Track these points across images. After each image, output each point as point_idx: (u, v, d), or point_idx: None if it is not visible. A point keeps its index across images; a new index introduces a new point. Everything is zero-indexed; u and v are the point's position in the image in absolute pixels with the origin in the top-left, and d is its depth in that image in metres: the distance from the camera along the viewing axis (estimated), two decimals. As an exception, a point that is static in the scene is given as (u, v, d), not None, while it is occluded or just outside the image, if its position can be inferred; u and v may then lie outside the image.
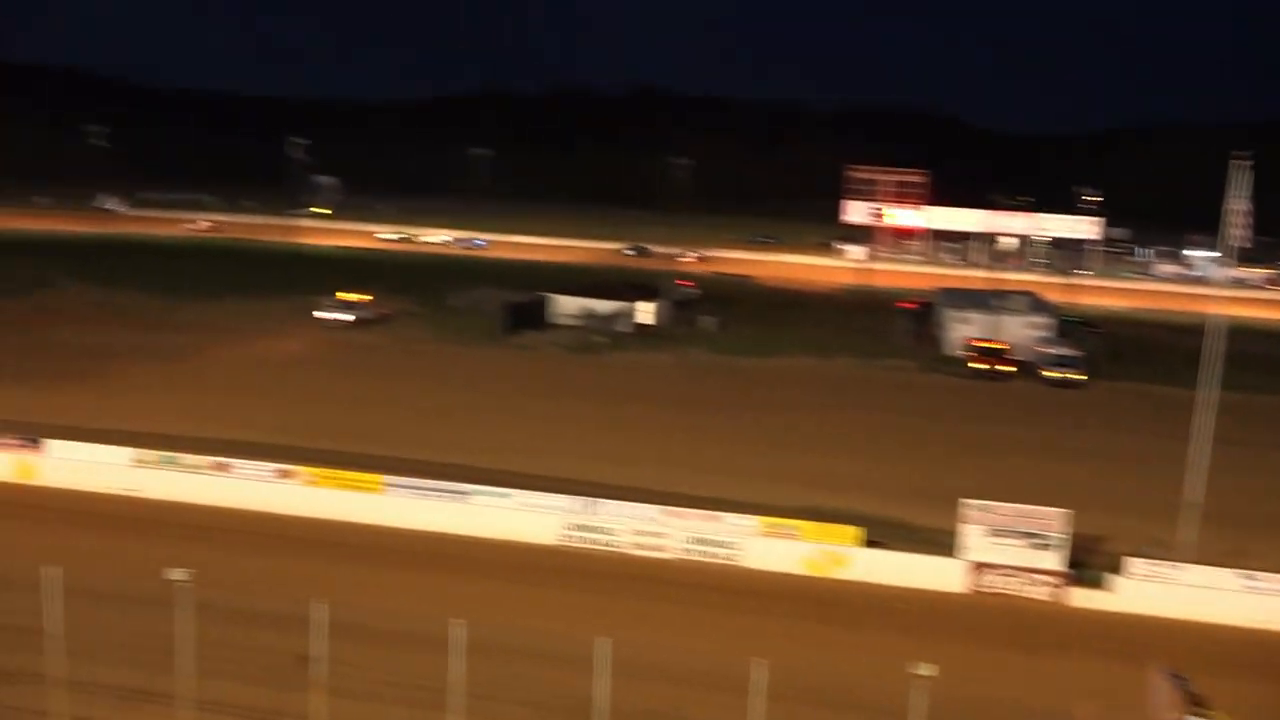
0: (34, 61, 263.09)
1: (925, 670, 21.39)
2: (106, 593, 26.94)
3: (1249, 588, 31.57)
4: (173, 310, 73.44)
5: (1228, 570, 31.93)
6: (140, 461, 37.66)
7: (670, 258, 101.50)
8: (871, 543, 33.53)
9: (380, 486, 36.08)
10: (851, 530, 33.43)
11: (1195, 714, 22.25)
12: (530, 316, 71.72)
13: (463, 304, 77.33)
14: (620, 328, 70.99)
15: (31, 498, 36.05)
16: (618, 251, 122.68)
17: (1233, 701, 23.91)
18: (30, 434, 38.78)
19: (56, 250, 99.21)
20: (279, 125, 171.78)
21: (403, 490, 35.90)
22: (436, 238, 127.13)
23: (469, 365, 61.58)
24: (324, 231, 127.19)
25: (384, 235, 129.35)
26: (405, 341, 67.30)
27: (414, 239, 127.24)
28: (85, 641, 23.89)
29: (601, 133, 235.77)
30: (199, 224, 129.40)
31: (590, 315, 69.71)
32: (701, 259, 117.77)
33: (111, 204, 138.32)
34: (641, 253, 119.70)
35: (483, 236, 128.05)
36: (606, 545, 33.74)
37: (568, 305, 72.60)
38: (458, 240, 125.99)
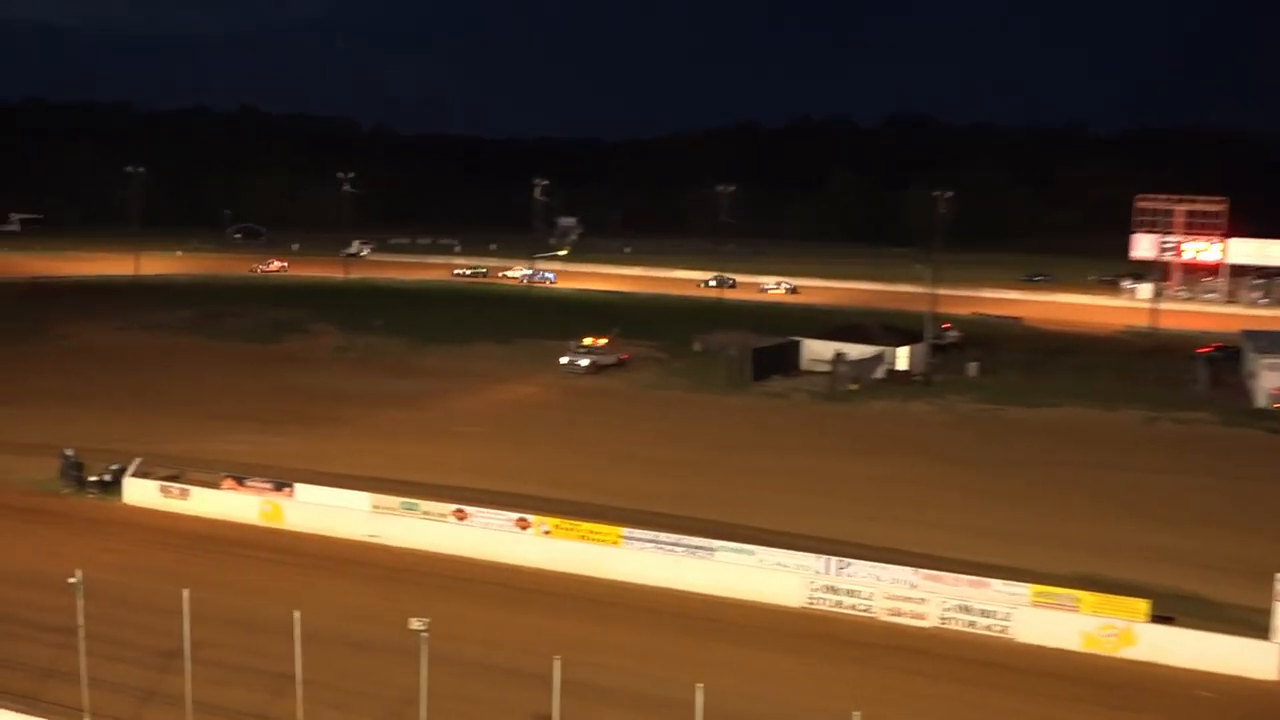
0: (286, 111, 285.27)
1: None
2: (346, 639, 28.51)
3: None
4: (418, 354, 77.61)
5: None
6: (380, 508, 39.79)
7: (930, 298, 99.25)
8: (1160, 618, 31.46)
9: (619, 539, 36.72)
10: (1140, 603, 31.48)
11: None
12: (778, 361, 71.69)
13: (706, 348, 78.14)
14: (875, 374, 69.94)
15: (278, 540, 38.65)
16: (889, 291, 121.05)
17: None
18: (280, 478, 41.69)
19: (306, 296, 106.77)
20: (522, 167, 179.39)
21: (642, 544, 36.40)
22: (514, 272, 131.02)
23: (711, 413, 62.06)
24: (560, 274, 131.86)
25: (460, 270, 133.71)
26: (644, 387, 68.56)
27: (491, 273, 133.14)
28: (326, 687, 25.34)
29: (856, 165, 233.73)
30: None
31: (842, 360, 69.12)
32: (792, 289, 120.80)
33: (360, 249, 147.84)
34: (723, 283, 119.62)
35: (559, 268, 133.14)
36: (857, 609, 33.07)
37: (819, 350, 72.15)
38: (527, 274, 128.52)
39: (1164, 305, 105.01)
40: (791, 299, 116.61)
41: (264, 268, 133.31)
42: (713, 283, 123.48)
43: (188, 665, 22.98)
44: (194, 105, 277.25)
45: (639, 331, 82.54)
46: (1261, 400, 63.48)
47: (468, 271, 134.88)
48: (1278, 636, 29.63)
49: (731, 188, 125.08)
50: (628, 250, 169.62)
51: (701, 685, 20.01)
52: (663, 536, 36.45)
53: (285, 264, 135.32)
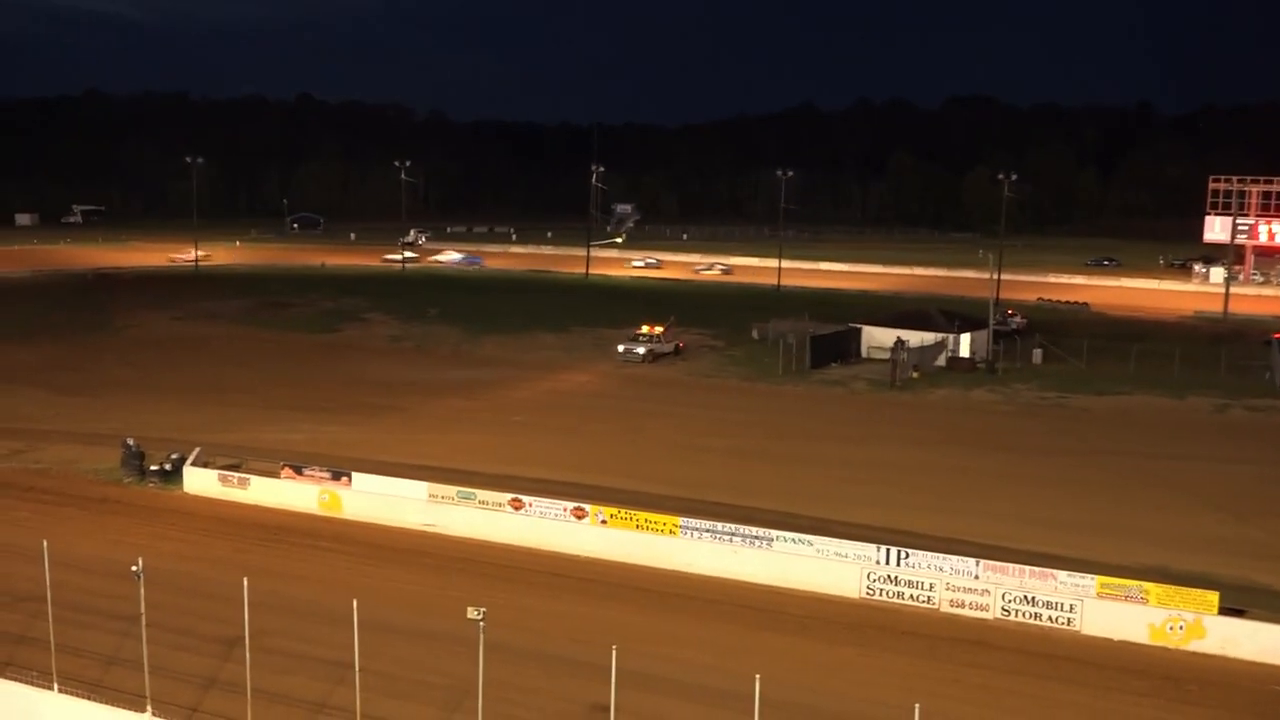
0: (345, 98, 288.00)
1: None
2: (404, 628, 28.90)
3: None
4: (474, 344, 78.20)
5: None
6: (437, 497, 40.19)
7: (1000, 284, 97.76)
8: (1230, 610, 30.99)
9: (675, 529, 36.81)
10: (1209, 595, 31.03)
11: None
12: (838, 349, 71.35)
13: (763, 335, 77.95)
14: (937, 361, 69.39)
15: (336, 529, 39.19)
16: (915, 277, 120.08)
17: None
18: (338, 467, 42.25)
19: (364, 285, 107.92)
20: (579, 154, 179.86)
21: (699, 533, 36.47)
22: (443, 256, 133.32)
23: (769, 401, 61.93)
24: (606, 261, 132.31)
25: (391, 257, 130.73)
26: (701, 376, 68.56)
27: (425, 257, 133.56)
28: (384, 675, 25.73)
29: (918, 148, 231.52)
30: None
31: (903, 348, 68.62)
32: (726, 270, 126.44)
33: (416, 238, 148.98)
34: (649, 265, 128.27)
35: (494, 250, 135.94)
36: (918, 600, 32.91)
37: (880, 337, 71.71)
38: (456, 259, 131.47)
39: (1238, 290, 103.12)
40: (851, 285, 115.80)
41: (180, 258, 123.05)
42: (641, 264, 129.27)
43: (248, 654, 23.39)
44: (251, 94, 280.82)
45: (696, 319, 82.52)
46: None
47: (397, 258, 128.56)
48: (1350, 630, 29.11)
49: (790, 172, 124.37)
50: (684, 237, 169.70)
51: (759, 676, 20.03)
52: (720, 526, 36.48)
53: (206, 253, 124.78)
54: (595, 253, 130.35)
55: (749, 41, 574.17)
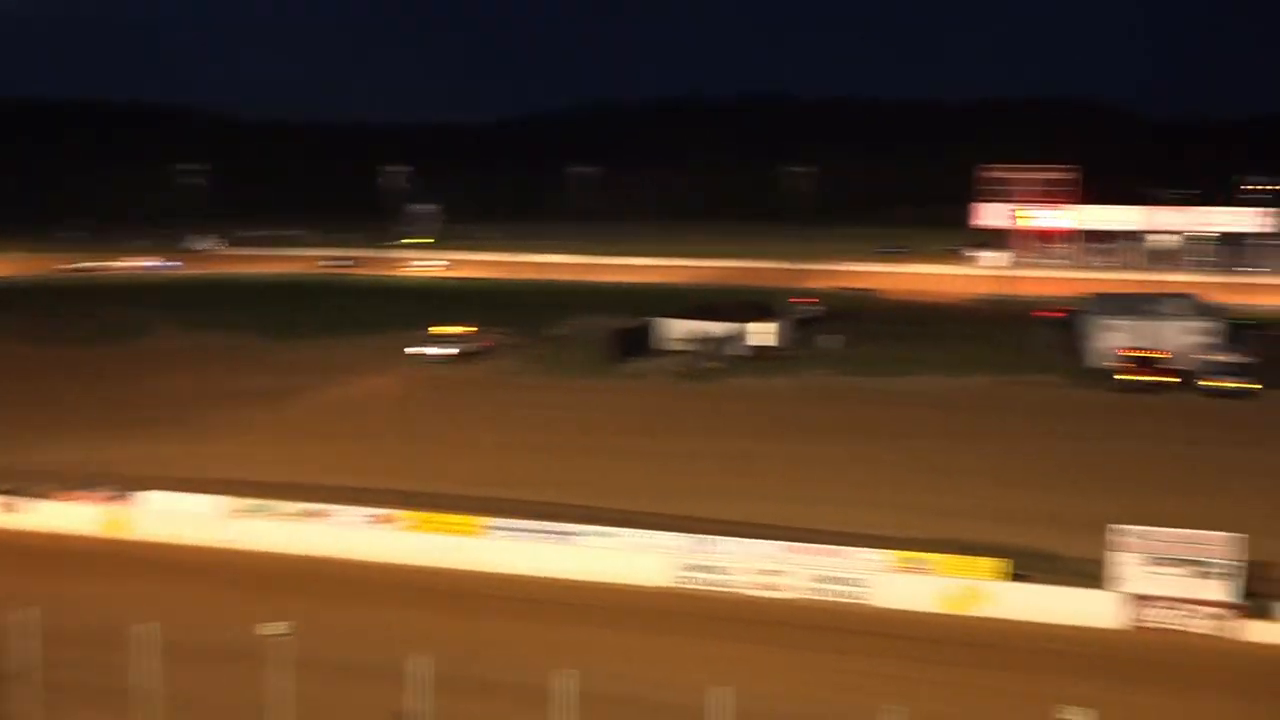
0: (124, 99, 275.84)
1: (1075, 715, 21.00)
2: (200, 648, 27.98)
3: None
4: (269, 351, 75.95)
5: None
6: (233, 511, 39.02)
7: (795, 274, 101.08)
8: (1016, 576, 32.89)
9: (482, 530, 36.75)
10: (992, 563, 32.83)
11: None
12: (639, 343, 72.26)
13: (567, 332, 78.33)
14: (735, 351, 71.00)
15: (124, 551, 37.59)
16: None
17: None
18: (120, 486, 40.46)
19: (153, 294, 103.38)
20: (372, 153, 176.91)
21: (506, 533, 36.50)
22: (138, 262, 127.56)
23: (575, 397, 62.31)
24: (401, 262, 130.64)
25: (324, 261, 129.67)
26: (508, 375, 68.46)
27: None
28: (179, 699, 24.86)
29: (714, 142, 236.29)
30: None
31: (703, 339, 69.91)
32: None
33: (204, 244, 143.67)
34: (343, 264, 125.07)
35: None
36: (723, 586, 33.75)
37: (678, 329, 72.97)
38: (153, 264, 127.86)
39: (1017, 272, 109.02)
40: (654, 278, 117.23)
41: None
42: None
43: (21, 689, 22.29)
44: (29, 94, 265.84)
45: (499, 318, 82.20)
46: (1094, 360, 66.24)
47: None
48: (1118, 586, 31.24)
49: (590, 169, 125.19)
50: (486, 236, 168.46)
51: (571, 671, 20.25)
52: (526, 524, 36.61)
53: None
54: (392, 254, 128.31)
55: (550, 36, 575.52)
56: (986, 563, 32.91)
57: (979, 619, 31.64)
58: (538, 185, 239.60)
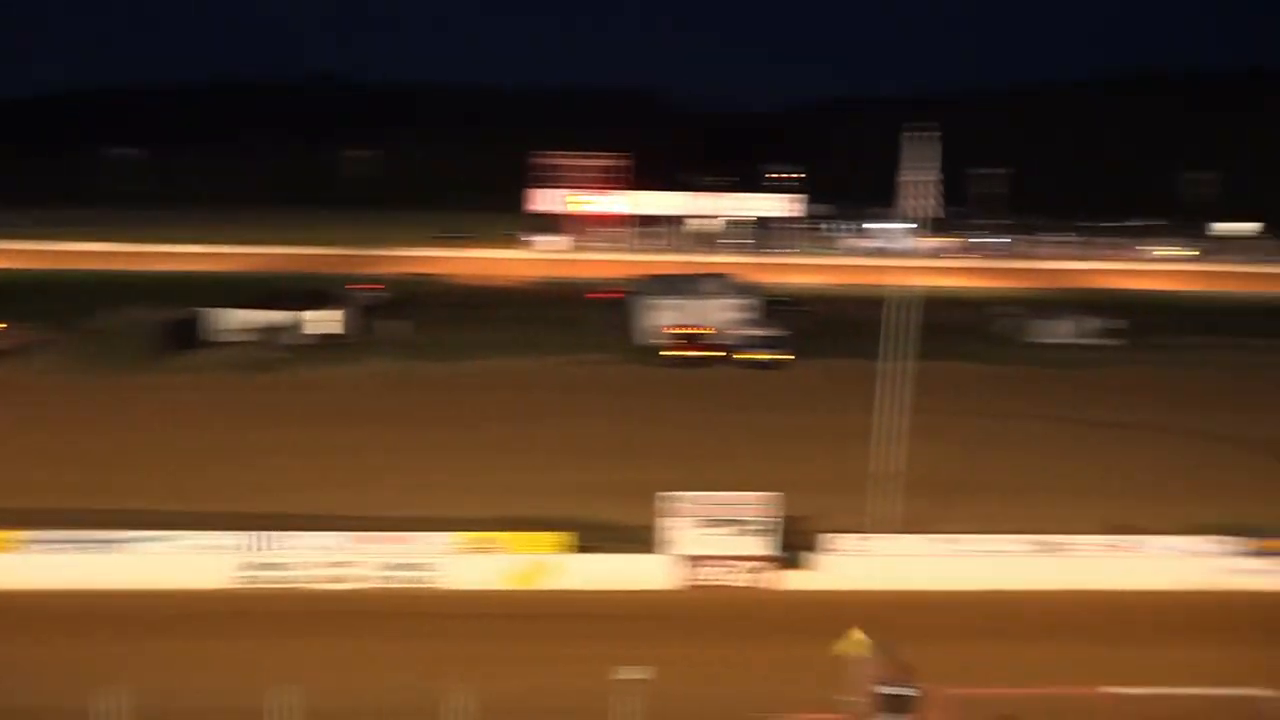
0: None
1: (632, 674, 22.16)
2: None
3: (952, 552, 34.45)
4: None
5: (929, 537, 34.71)
6: None
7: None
8: (581, 548, 34.22)
9: (15, 544, 33.55)
10: (556, 537, 33.98)
11: (899, 683, 23.99)
12: (191, 335, 68.55)
13: (111, 326, 72.93)
14: (298, 340, 68.99)
15: None
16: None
17: (942, 664, 25.97)
18: None
19: None
20: None
21: (45, 546, 33.53)
22: None
23: (123, 396, 58.12)
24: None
25: None
26: (44, 374, 62.77)
27: None
28: None
29: (272, 126, 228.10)
30: None
31: (263, 329, 67.31)
32: None
33: None
34: None
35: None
36: (288, 582, 32.79)
37: (236, 319, 69.89)
38: None
39: (575, 256, 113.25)
40: (211, 266, 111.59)
41: None
42: None
43: None
44: None
45: (29, 312, 75.07)
46: (645, 338, 70.19)
47: None
48: (669, 549, 33.36)
49: (132, 150, 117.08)
50: (10, 223, 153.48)
51: (122, 689, 18.95)
52: (69, 535, 33.80)
53: None
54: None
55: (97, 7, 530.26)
56: (552, 537, 34.00)
57: (545, 593, 32.70)
58: (73, 168, 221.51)
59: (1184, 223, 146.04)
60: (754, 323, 70.42)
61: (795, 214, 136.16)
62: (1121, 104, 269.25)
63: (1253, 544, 34.66)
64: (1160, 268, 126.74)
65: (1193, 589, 33.61)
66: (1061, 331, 76.20)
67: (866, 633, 26.53)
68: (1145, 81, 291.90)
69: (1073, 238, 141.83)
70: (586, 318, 77.68)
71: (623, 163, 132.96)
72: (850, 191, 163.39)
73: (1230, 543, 34.67)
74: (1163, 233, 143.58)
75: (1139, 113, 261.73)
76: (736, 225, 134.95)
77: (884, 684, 24.02)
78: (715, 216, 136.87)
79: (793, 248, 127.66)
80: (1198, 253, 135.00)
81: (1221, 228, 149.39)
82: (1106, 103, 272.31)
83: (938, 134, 40.84)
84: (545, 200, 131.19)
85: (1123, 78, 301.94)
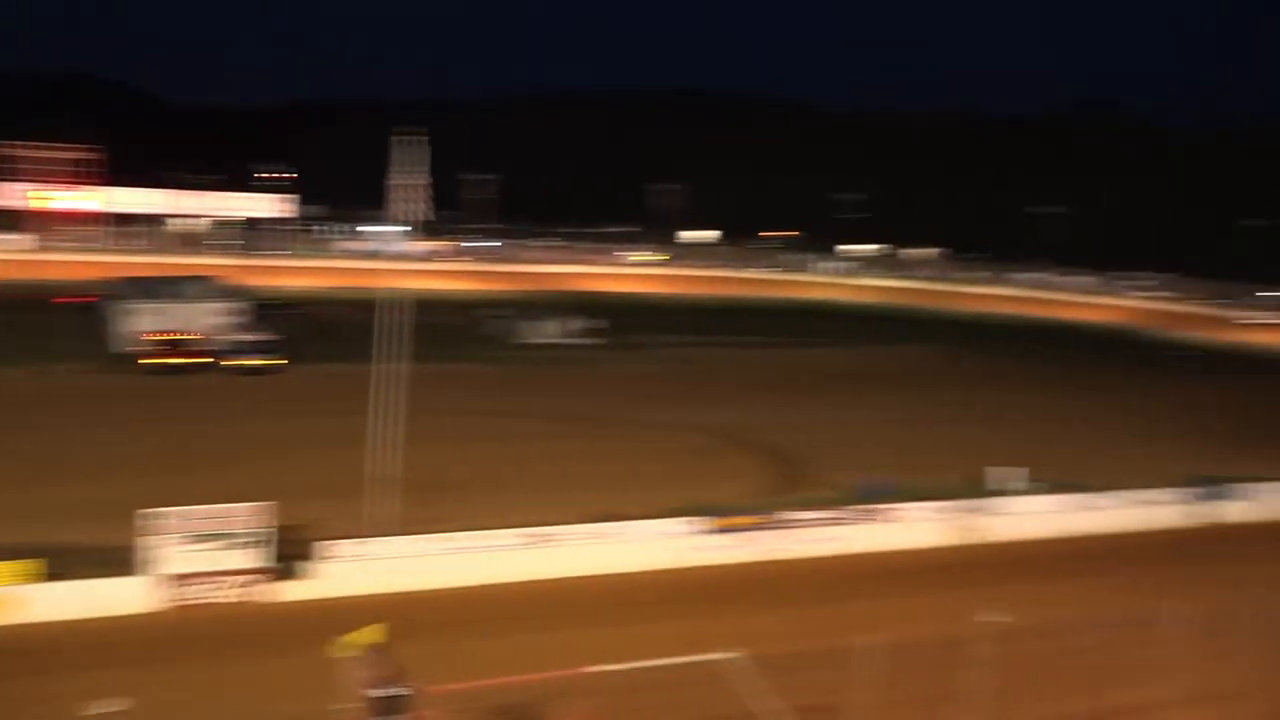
0: None
1: (107, 707, 20.73)
2: None
3: (447, 549, 35.03)
4: None
5: (426, 536, 35.08)
6: None
7: None
8: (51, 576, 31.23)
9: None
10: (23, 565, 30.84)
11: (391, 685, 23.99)
12: None
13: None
14: None
15: None
16: None
17: (438, 661, 26.27)
18: None
19: None
20: None
21: None
22: None
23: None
24: None
25: None
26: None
27: None
28: None
29: None
30: None
31: None
32: None
33: None
34: None
35: None
36: None
37: None
38: None
39: (42, 256, 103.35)
40: None
41: None
42: None
43: None
44: None
45: None
46: (121, 345, 65.60)
47: None
48: (152, 569, 31.38)
49: None
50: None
51: None
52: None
53: None
54: None
55: None
56: (16, 566, 30.82)
57: (12, 627, 29.57)
58: None
59: (655, 230, 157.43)
60: (243, 327, 67.87)
61: (286, 215, 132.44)
62: (608, 117, 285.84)
63: (714, 523, 38.20)
64: (636, 271, 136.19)
65: (666, 567, 36.50)
66: (548, 332, 79.97)
67: (361, 635, 26.29)
68: (629, 94, 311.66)
69: (558, 243, 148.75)
70: (54, 325, 71.12)
71: (95, 156, 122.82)
72: (343, 193, 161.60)
73: (697, 523, 37.99)
74: (637, 239, 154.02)
75: (619, 125, 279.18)
76: (224, 226, 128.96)
77: (376, 687, 23.93)
78: (200, 216, 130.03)
79: (284, 250, 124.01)
80: (668, 257, 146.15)
81: (687, 235, 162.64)
82: (589, 117, 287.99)
83: (426, 138, 41.44)
84: (3, 194, 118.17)
85: (613, 88, 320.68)
